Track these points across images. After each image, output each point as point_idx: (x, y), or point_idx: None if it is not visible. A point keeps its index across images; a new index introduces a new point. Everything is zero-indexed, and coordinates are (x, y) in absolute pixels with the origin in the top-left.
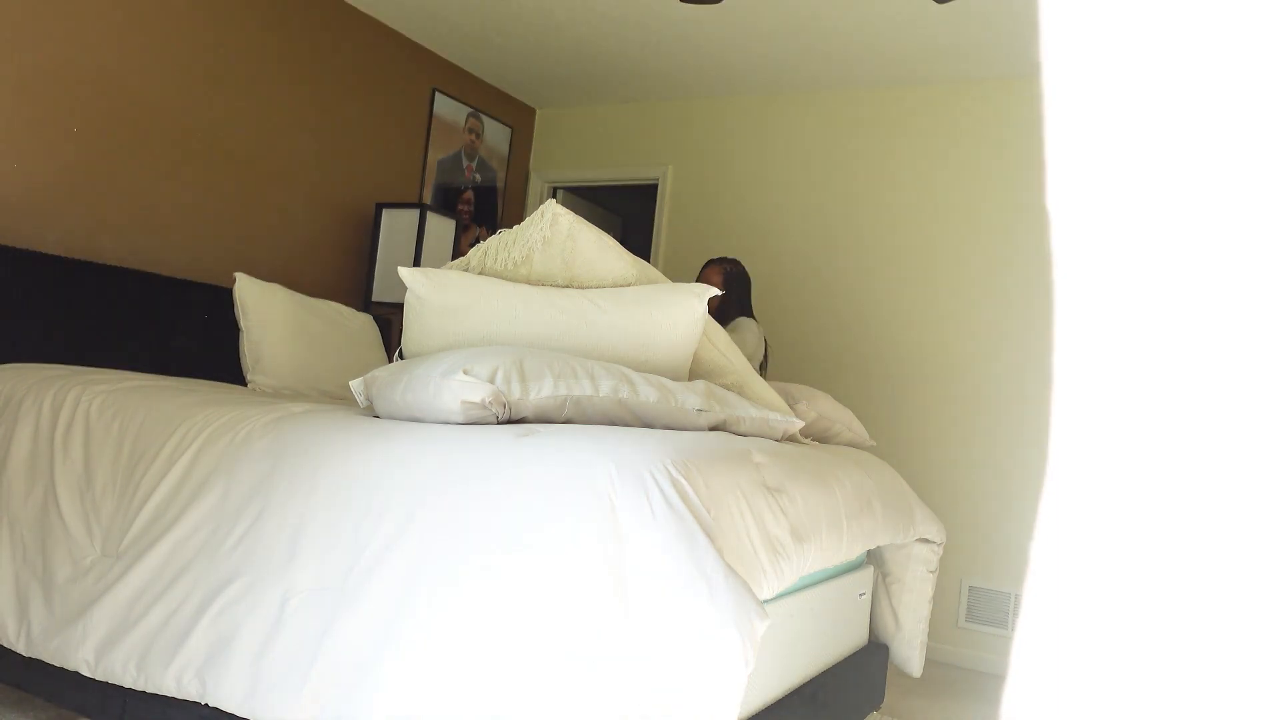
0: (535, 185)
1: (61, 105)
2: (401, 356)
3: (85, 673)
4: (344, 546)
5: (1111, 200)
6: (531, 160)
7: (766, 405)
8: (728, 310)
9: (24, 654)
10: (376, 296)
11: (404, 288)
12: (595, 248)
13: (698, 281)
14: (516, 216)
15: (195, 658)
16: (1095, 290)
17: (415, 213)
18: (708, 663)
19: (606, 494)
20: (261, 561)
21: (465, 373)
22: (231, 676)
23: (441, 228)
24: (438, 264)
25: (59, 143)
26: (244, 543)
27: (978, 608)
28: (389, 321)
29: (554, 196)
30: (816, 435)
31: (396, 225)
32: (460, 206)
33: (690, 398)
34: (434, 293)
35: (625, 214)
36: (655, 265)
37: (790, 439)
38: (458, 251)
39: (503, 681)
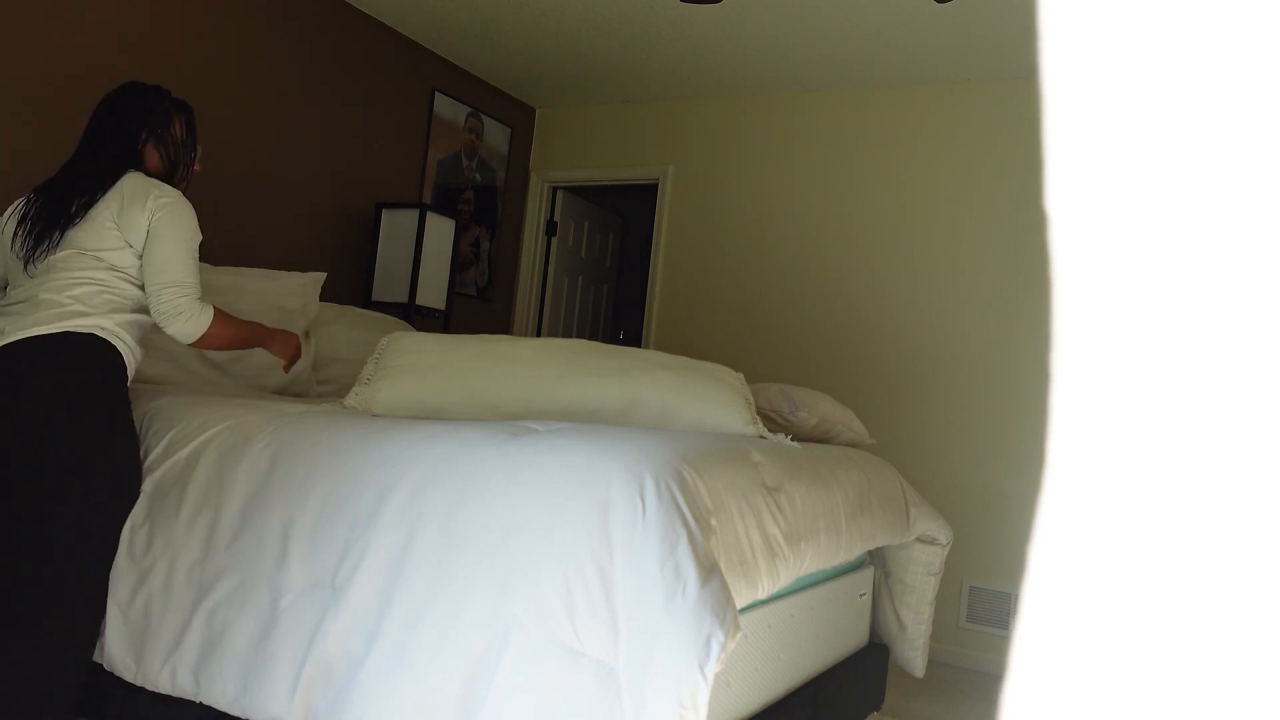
0: (535, 185)
1: (61, 106)
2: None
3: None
4: (336, 545)
5: (1110, 201)
6: (531, 160)
7: None
8: None
9: None
10: (376, 296)
11: (404, 287)
12: None
13: None
14: (516, 216)
15: (189, 656)
16: (1094, 290)
17: (415, 213)
18: (666, 677)
19: (600, 494)
20: (255, 560)
21: None
22: (224, 674)
23: (441, 228)
24: (438, 264)
25: (58, 144)
26: (238, 541)
27: (978, 608)
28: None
29: (554, 196)
30: (818, 438)
31: (396, 225)
32: (460, 206)
33: None
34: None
35: (625, 214)
36: (655, 265)
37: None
38: (457, 252)
39: (487, 681)
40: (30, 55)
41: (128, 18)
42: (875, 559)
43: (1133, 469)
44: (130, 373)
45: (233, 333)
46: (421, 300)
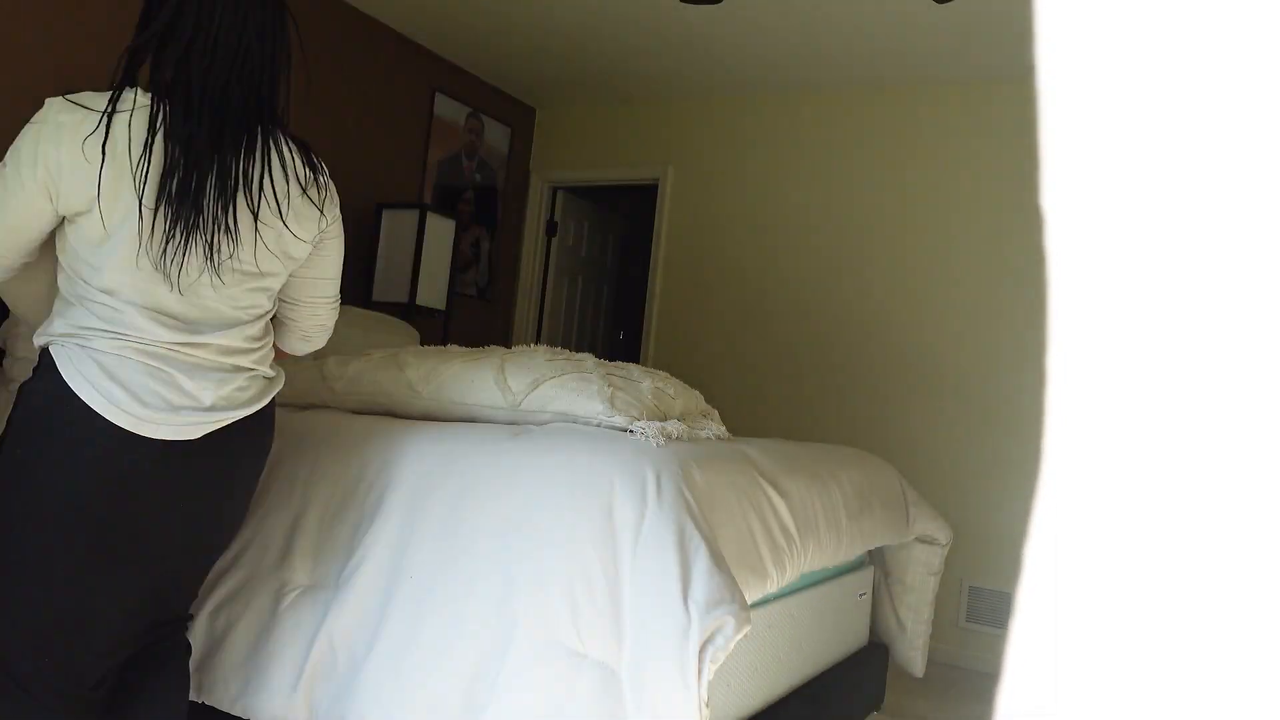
0: (535, 185)
1: None
2: None
3: None
4: (339, 544)
5: (1106, 200)
6: (531, 160)
7: None
8: None
9: None
10: (377, 296)
11: (404, 287)
12: None
13: None
14: (516, 216)
15: (192, 655)
16: (1090, 290)
17: (415, 213)
18: (673, 674)
19: (604, 493)
20: (257, 558)
21: None
22: (225, 674)
23: (441, 228)
24: (438, 264)
25: None
26: (240, 539)
27: (978, 608)
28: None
29: (554, 196)
30: None
31: (396, 225)
32: (460, 206)
33: None
34: None
35: (625, 214)
36: (655, 265)
37: None
38: (457, 252)
39: (490, 680)
40: (29, 55)
41: (125, 19)
42: (875, 559)
43: (1128, 468)
44: None
45: None
46: (422, 300)
